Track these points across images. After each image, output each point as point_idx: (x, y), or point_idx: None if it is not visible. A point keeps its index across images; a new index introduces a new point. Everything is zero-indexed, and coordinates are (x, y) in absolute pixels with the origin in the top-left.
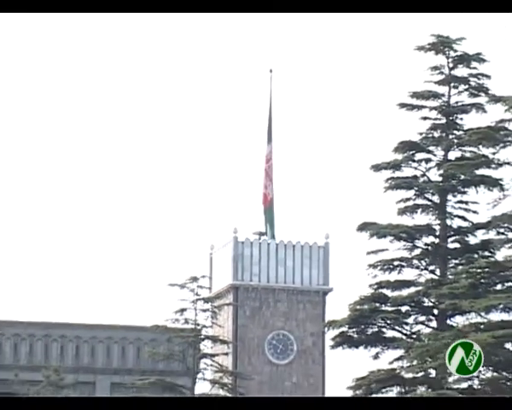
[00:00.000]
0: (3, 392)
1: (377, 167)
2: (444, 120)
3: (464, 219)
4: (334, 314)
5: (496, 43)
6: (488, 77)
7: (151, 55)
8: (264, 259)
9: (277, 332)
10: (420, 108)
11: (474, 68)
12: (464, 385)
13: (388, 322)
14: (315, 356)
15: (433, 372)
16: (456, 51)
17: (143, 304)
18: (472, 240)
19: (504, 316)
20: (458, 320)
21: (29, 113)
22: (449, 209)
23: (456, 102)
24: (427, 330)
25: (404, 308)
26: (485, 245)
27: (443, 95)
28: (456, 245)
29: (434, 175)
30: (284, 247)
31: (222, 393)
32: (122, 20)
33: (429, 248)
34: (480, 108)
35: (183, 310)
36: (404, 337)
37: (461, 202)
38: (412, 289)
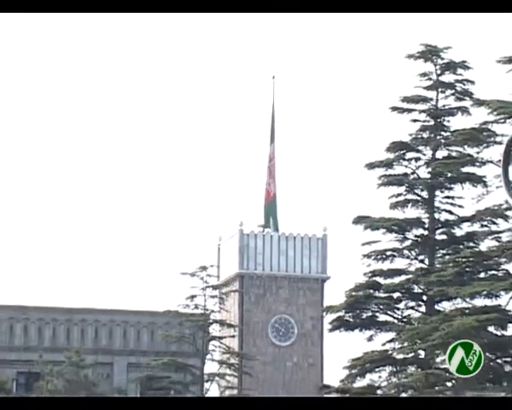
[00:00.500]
0: (29, 371)
1: (371, 166)
2: (432, 122)
3: (451, 212)
4: (331, 300)
5: (480, 52)
6: (472, 82)
7: (166, 60)
8: (268, 249)
9: (279, 316)
10: (410, 111)
11: (460, 75)
12: None
13: (381, 307)
14: (314, 339)
15: (422, 353)
16: (443, 59)
17: (157, 291)
18: (458, 232)
19: (487, 302)
20: (445, 305)
21: (31, 109)
22: (437, 204)
23: (444, 106)
24: (417, 315)
25: (395, 295)
26: (470, 237)
27: (431, 99)
28: (444, 237)
29: (423, 173)
30: (286, 238)
31: (229, 372)
32: (123, 20)
33: (419, 239)
34: (465, 111)
35: (193, 296)
36: (395, 321)
37: (448, 197)
38: (403, 277)
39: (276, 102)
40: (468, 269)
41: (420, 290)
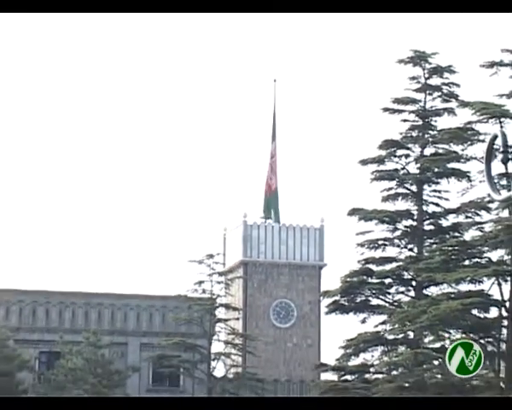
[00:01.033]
0: (51, 350)
1: (364, 162)
2: (420, 122)
3: (438, 205)
4: (328, 286)
5: (464, 57)
6: (458, 85)
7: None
8: (269, 239)
9: (280, 301)
10: (400, 111)
11: (446, 78)
12: (437, 345)
13: (374, 292)
14: (312, 321)
15: (411, 334)
16: (430, 64)
17: (168, 277)
18: (444, 223)
19: (471, 287)
20: (433, 290)
21: (33, 103)
22: (425, 197)
23: (431, 107)
24: (407, 299)
25: (387, 280)
26: (455, 227)
27: (419, 101)
28: (431, 227)
29: (412, 168)
30: (286, 229)
31: (234, 351)
32: (123, 20)
33: (408, 229)
34: (451, 111)
35: (201, 282)
36: (387, 305)
37: (435, 191)
38: (394, 265)
39: (277, 103)
40: (453, 257)
41: (409, 277)
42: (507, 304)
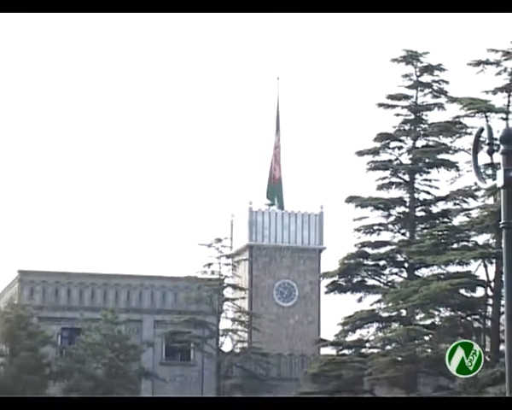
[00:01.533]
0: (72, 327)
1: (361, 153)
2: (412, 116)
3: (428, 193)
4: (327, 267)
5: (453, 56)
6: (447, 82)
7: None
8: (273, 224)
9: (283, 281)
10: (394, 107)
11: (436, 76)
12: (428, 322)
13: (369, 273)
14: (312, 300)
15: (404, 312)
16: (422, 63)
17: (180, 259)
18: (434, 209)
19: (459, 268)
20: (424, 272)
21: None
22: (416, 186)
23: (422, 102)
24: (400, 280)
25: (381, 263)
26: (444, 213)
27: (412, 96)
28: (422, 213)
29: (405, 159)
30: (288, 215)
31: (240, 328)
32: (128, 20)
33: (401, 215)
34: (440, 106)
35: (209, 264)
36: (381, 285)
37: (426, 180)
38: (388, 248)
39: (280, 99)
40: (442, 241)
41: (402, 259)
42: (492, 284)
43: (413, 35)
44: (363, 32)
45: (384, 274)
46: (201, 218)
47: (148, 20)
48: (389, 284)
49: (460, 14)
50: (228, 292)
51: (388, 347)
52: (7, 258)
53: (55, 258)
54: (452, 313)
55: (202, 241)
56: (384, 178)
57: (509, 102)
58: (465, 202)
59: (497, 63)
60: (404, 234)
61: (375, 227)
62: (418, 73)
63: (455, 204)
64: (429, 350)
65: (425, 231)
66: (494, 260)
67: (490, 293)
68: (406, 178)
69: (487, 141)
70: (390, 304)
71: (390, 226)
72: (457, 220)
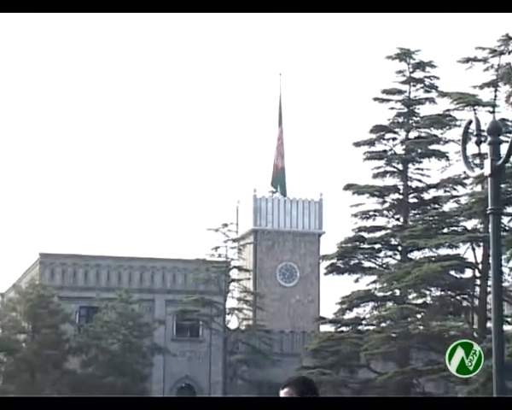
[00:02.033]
0: (89, 306)
1: (358, 144)
2: (405, 110)
3: (420, 181)
4: (326, 250)
5: (444, 54)
6: (438, 78)
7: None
8: (276, 210)
9: (285, 263)
10: (388, 101)
11: (428, 72)
12: (420, 301)
13: (365, 256)
14: (312, 280)
15: (397, 292)
16: (414, 60)
17: (189, 243)
18: (426, 196)
19: (449, 251)
20: (416, 254)
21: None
22: (409, 174)
23: (415, 97)
24: (394, 262)
25: (376, 246)
26: (435, 200)
27: (405, 91)
28: (415, 200)
29: (399, 149)
30: (290, 202)
31: (245, 307)
32: (132, 21)
33: (395, 202)
34: (431, 100)
35: (217, 247)
36: (376, 267)
37: (418, 168)
38: (383, 232)
39: (283, 93)
40: (434, 225)
41: (396, 242)
42: (480, 266)
43: (406, 34)
44: (360, 31)
45: (379, 257)
46: (210, 204)
47: (151, 21)
48: (384, 265)
49: (450, 14)
50: (234, 273)
51: (383, 324)
52: (29, 242)
53: (73, 242)
54: (442, 293)
55: (210, 226)
56: (379, 168)
57: (495, 96)
58: (455, 189)
59: (485, 60)
60: (397, 219)
61: (371, 213)
62: (411, 70)
63: (445, 191)
64: (421, 327)
65: (417, 216)
66: (481, 244)
67: (477, 274)
68: (400, 167)
69: (475, 132)
70: (385, 284)
71: (385, 212)
72: (447, 206)
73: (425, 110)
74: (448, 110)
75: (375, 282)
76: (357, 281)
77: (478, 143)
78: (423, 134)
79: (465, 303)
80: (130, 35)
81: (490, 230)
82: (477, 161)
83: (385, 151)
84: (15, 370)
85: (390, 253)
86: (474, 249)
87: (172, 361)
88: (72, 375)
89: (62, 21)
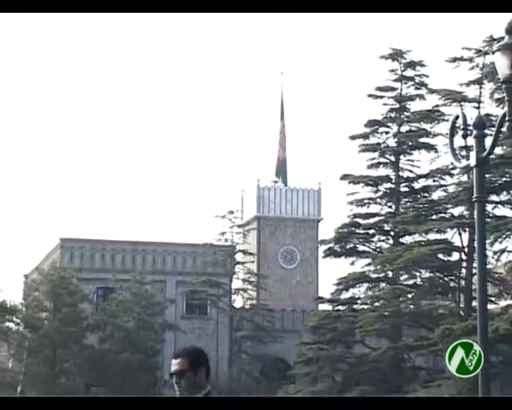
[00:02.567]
0: (106, 286)
1: (353, 137)
2: (397, 106)
3: (411, 171)
4: (324, 235)
5: (433, 54)
6: (427, 76)
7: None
8: (278, 198)
9: (286, 247)
10: (381, 97)
11: (418, 71)
12: (411, 282)
13: (360, 240)
14: (312, 263)
15: (390, 273)
16: (405, 59)
17: (198, 228)
18: (416, 185)
19: (438, 236)
20: (407, 239)
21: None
22: (401, 165)
23: (406, 94)
24: (386, 246)
25: (371, 231)
26: (425, 189)
27: (397, 88)
28: (406, 189)
29: (391, 142)
30: (291, 190)
31: (250, 287)
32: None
33: (388, 191)
34: (421, 97)
35: (223, 233)
36: (371, 250)
37: (409, 160)
38: (376, 219)
39: (284, 90)
40: (423, 212)
41: (388, 228)
42: (465, 249)
43: (399, 34)
44: (356, 32)
45: (373, 241)
46: (217, 194)
47: (157, 21)
48: (377, 249)
49: (439, 16)
50: (239, 257)
51: (376, 303)
52: (50, 228)
53: (91, 227)
54: (431, 275)
55: (218, 213)
56: (373, 159)
57: (480, 93)
58: (443, 179)
59: (470, 60)
60: (390, 207)
61: (366, 201)
62: (402, 68)
63: (434, 181)
64: (412, 306)
65: (408, 204)
66: (467, 229)
67: (464, 257)
68: (392, 158)
69: (462, 127)
70: (378, 267)
71: (378, 200)
72: (436, 195)
73: (415, 106)
74: (437, 106)
75: (369, 264)
76: (352, 264)
77: (464, 137)
78: (414, 128)
79: (452, 284)
80: (135, 35)
81: (475, 216)
82: (463, 152)
83: (378, 144)
84: (38, 345)
85: (383, 238)
86: (460, 234)
87: (182, 337)
88: (91, 350)
89: (62, 21)
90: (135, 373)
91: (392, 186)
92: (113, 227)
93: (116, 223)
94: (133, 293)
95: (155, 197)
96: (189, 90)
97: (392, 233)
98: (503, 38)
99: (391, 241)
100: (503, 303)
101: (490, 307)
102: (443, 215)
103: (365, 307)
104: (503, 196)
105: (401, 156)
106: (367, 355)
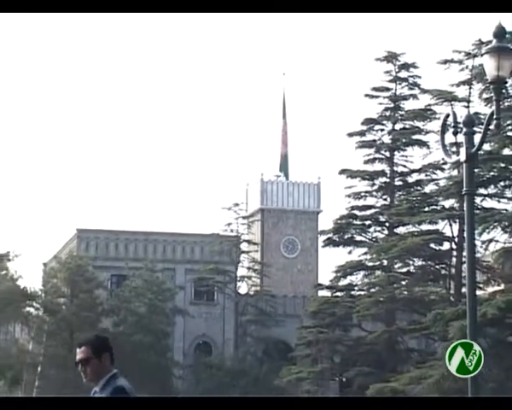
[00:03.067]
0: (119, 274)
1: (351, 134)
2: (392, 105)
3: (405, 166)
4: (323, 226)
5: (425, 56)
6: (420, 77)
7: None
8: (280, 192)
9: (288, 237)
10: (377, 97)
11: (411, 72)
12: (404, 270)
13: (357, 231)
14: (312, 252)
15: (385, 262)
16: (400, 61)
17: (206, 219)
18: (410, 179)
19: (430, 227)
20: (401, 230)
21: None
22: (395, 160)
23: (400, 93)
24: (382, 236)
25: (367, 222)
26: (418, 183)
27: (392, 89)
28: (400, 183)
29: (386, 139)
30: (292, 184)
31: (254, 275)
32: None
33: (383, 185)
34: (414, 97)
35: (229, 224)
36: (367, 240)
37: (403, 156)
38: (372, 210)
39: (286, 90)
40: (416, 205)
41: (384, 219)
42: (456, 239)
43: (394, 38)
44: (353, 36)
45: (369, 232)
46: (223, 187)
47: (159, 21)
48: (373, 239)
49: (432, 21)
50: (244, 246)
51: (372, 290)
52: (68, 219)
53: (106, 218)
54: (424, 263)
55: (224, 205)
56: (369, 155)
57: (469, 93)
58: (434, 173)
59: (461, 62)
60: (385, 199)
61: (362, 194)
62: (397, 70)
63: (426, 175)
64: (405, 292)
65: (402, 197)
66: (457, 220)
67: (454, 246)
68: (387, 154)
69: (452, 124)
70: (374, 255)
71: (374, 193)
72: (428, 188)
73: (409, 105)
74: (429, 105)
75: (365, 253)
76: (350, 253)
77: (455, 134)
78: (407, 126)
79: (443, 271)
80: (140, 35)
81: (465, 208)
82: (454, 149)
83: (374, 141)
84: (56, 328)
85: (379, 228)
86: (451, 225)
87: (191, 322)
88: (106, 334)
89: (62, 21)
90: (147, 354)
91: (387, 180)
92: (127, 219)
93: (129, 215)
94: (145, 280)
95: (166, 190)
96: (198, 92)
97: (387, 224)
98: (491, 41)
99: (386, 231)
100: (490, 290)
101: (478, 293)
102: (434, 207)
103: (362, 293)
104: (491, 190)
105: (395, 152)
106: (363, 338)
